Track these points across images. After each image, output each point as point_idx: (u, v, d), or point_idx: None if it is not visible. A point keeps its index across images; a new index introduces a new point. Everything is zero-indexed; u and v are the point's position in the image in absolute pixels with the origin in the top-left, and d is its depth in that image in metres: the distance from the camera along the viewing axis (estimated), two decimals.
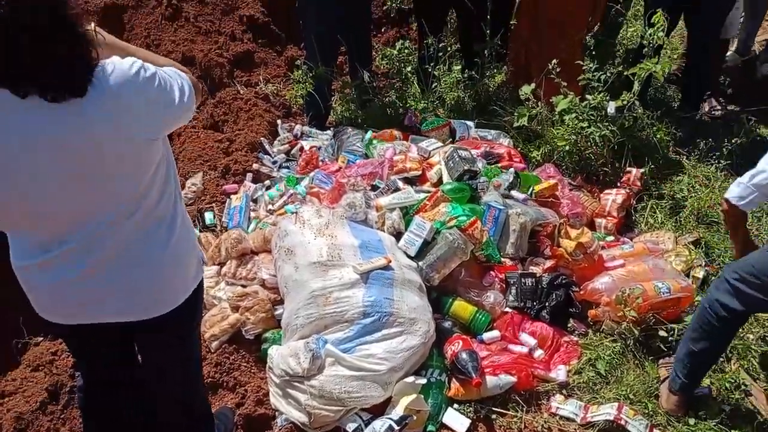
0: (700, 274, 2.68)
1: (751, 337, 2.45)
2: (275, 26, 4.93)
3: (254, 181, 3.39)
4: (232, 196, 3.20)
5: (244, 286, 2.56)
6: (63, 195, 1.31)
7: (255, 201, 3.20)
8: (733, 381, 2.27)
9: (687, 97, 3.88)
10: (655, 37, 3.26)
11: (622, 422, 2.07)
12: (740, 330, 2.19)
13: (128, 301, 1.49)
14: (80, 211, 1.36)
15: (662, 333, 2.39)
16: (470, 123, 3.63)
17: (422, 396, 2.16)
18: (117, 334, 1.60)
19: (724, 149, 3.07)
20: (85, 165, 1.29)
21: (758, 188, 1.93)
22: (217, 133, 3.87)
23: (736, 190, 1.99)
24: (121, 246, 1.42)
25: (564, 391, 2.29)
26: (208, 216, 3.10)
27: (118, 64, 1.32)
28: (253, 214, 3.10)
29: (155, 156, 1.41)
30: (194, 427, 1.85)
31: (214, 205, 3.19)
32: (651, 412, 2.17)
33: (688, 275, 2.68)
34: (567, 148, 3.32)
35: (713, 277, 2.71)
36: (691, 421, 2.14)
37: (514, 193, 2.92)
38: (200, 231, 2.99)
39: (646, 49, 3.33)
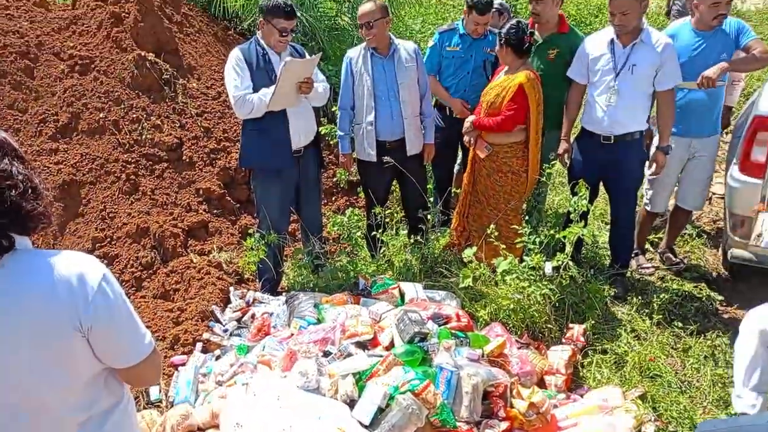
0: (650, 429, 2.72)
1: None
2: (230, 197, 5.19)
3: (204, 351, 3.34)
4: (180, 368, 3.12)
5: None
6: None
7: (204, 374, 3.13)
8: None
9: (615, 257, 4.19)
10: (579, 204, 3.62)
11: None
12: None
13: None
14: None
15: None
16: (419, 285, 3.78)
17: None
18: None
19: (654, 304, 3.28)
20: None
21: None
22: (167, 303, 3.87)
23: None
24: None
25: None
26: (154, 391, 3.00)
27: None
28: (201, 386, 3.02)
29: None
30: None
31: (160, 378, 3.09)
32: None
33: (639, 431, 2.71)
34: (511, 306, 3.48)
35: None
36: None
37: (464, 351, 2.98)
38: (144, 407, 2.87)
39: (573, 214, 3.67)
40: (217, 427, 2.58)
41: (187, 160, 5.18)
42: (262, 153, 3.84)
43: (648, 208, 4.31)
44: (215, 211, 5.04)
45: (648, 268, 4.27)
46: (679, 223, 4.38)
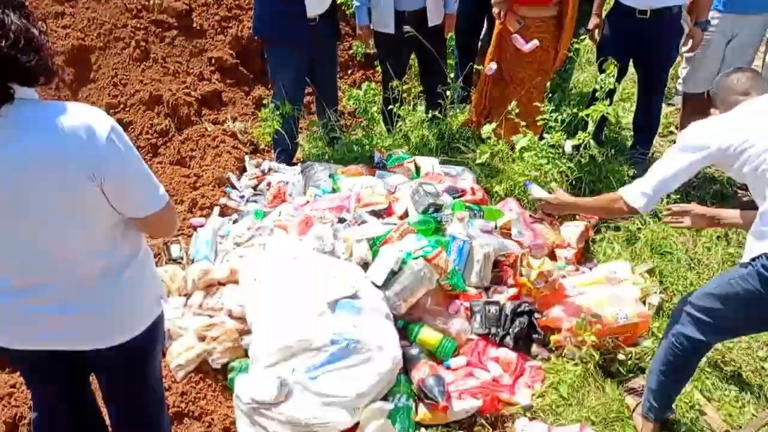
0: (655, 301, 2.79)
1: (703, 360, 2.54)
2: (243, 68, 5.05)
3: (221, 215, 3.41)
4: (198, 230, 3.20)
5: (210, 317, 2.55)
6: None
7: (222, 236, 3.21)
8: (688, 401, 2.35)
9: (639, 140, 4.09)
10: (607, 82, 3.48)
11: None
12: None
13: (75, 330, 1.49)
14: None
15: (621, 356, 2.47)
16: (435, 159, 3.75)
17: (390, 421, 2.17)
18: (69, 362, 1.59)
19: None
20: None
21: (657, 194, 2.09)
22: (184, 169, 3.90)
23: (642, 201, 2.09)
24: (75, 278, 1.44)
25: (528, 414, 2.33)
26: (175, 249, 3.09)
27: None
28: (220, 247, 3.10)
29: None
30: None
31: (180, 238, 3.19)
32: None
33: (644, 303, 2.79)
34: None
35: (667, 304, 2.83)
36: None
37: (477, 223, 3.01)
38: (166, 263, 2.98)
39: (599, 92, 3.54)
40: (235, 282, 2.68)
41: (198, 27, 4.99)
42: (276, 22, 3.67)
43: (681, 88, 4.12)
44: (228, 81, 4.92)
45: None
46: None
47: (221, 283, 2.73)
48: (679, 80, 4.12)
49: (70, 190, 1.32)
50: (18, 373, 2.32)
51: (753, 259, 1.85)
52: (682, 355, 2.06)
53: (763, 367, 2.55)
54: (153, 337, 1.64)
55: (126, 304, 1.52)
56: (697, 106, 4.00)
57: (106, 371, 1.66)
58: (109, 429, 1.86)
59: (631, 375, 2.47)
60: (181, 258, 3.05)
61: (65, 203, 1.33)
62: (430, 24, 3.96)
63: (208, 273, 2.69)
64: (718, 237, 3.28)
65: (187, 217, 3.37)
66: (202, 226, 3.27)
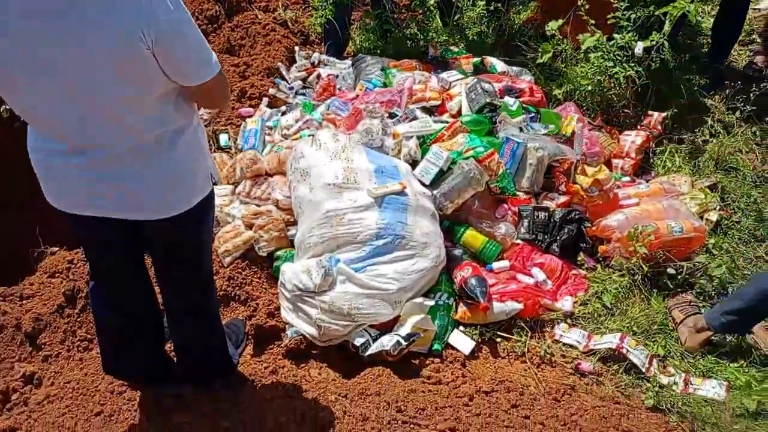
0: (713, 217, 2.67)
1: None
2: None
3: (270, 106, 3.37)
4: (247, 120, 3.18)
5: (258, 206, 2.59)
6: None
7: (270, 127, 3.19)
8: None
9: (717, 46, 3.75)
10: None
11: (624, 350, 2.11)
12: None
13: (129, 199, 1.51)
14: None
15: (671, 271, 2.40)
16: (494, 59, 3.56)
17: (430, 317, 2.21)
18: (126, 233, 1.62)
19: (752, 94, 3.00)
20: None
21: None
22: (233, 57, 3.82)
23: None
24: (130, 145, 1.44)
25: (569, 321, 2.33)
26: (223, 138, 3.10)
27: None
28: (268, 138, 3.09)
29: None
30: (208, 325, 1.90)
31: (229, 127, 3.19)
32: (653, 346, 2.21)
33: (701, 217, 2.67)
34: (589, 87, 3.26)
35: (726, 221, 2.70)
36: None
37: (534, 125, 2.88)
38: (214, 151, 3.00)
39: None
40: (283, 173, 2.69)
41: None
42: None
43: None
44: None
45: (757, 69, 3.77)
46: None
47: (269, 174, 2.74)
48: None
49: (120, 49, 1.28)
50: (76, 250, 2.44)
51: None
52: None
53: None
54: (205, 215, 1.66)
55: (179, 175, 1.53)
56: None
57: (160, 245, 1.70)
58: (161, 311, 1.95)
59: (679, 290, 2.42)
60: (230, 147, 3.06)
61: (115, 64, 1.30)
62: None
63: (256, 162, 2.70)
64: None
65: (235, 106, 3.35)
66: (250, 116, 3.25)
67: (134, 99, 1.39)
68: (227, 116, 3.27)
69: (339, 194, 2.36)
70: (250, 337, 2.25)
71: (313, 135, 2.67)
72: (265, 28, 3.99)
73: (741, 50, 4.05)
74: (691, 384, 2.05)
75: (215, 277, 2.39)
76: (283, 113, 3.29)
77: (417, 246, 2.28)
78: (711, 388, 2.03)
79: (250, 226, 2.51)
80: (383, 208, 2.32)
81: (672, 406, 1.98)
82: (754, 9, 4.33)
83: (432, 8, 4.01)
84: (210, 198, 1.66)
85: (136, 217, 1.54)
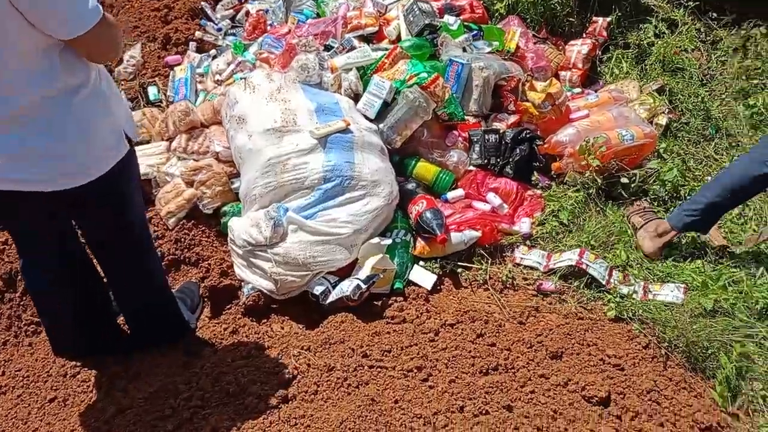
0: (663, 120, 2.66)
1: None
2: None
3: (198, 51, 3.15)
4: (175, 68, 2.97)
5: (196, 160, 2.44)
6: None
7: (202, 74, 2.98)
8: None
9: None
10: None
11: (584, 266, 2.12)
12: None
13: (28, 167, 1.36)
14: None
15: (624, 180, 2.39)
16: None
17: (388, 256, 2.15)
18: (36, 204, 1.48)
19: None
20: None
21: None
22: (153, 1, 3.53)
23: None
24: (15, 106, 1.29)
25: (528, 243, 2.32)
26: (152, 90, 2.89)
27: None
28: (200, 86, 2.90)
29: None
30: (154, 290, 1.82)
31: (157, 78, 2.97)
32: (611, 257, 2.22)
33: (651, 122, 2.65)
34: None
35: (675, 123, 2.69)
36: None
37: (477, 44, 2.76)
38: (144, 106, 2.80)
39: None
40: (219, 123, 2.53)
41: None
42: None
43: None
44: None
45: None
46: None
47: (204, 125, 2.57)
48: None
49: None
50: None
51: None
52: (750, 187, 2.04)
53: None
54: (122, 179, 1.53)
55: (79, 139, 1.38)
56: None
57: (82, 215, 1.58)
58: (103, 282, 1.84)
59: (633, 198, 2.41)
60: (160, 100, 2.86)
61: None
62: None
63: (189, 114, 2.53)
64: (734, 49, 3.04)
65: (161, 55, 3.11)
66: (178, 64, 3.03)
67: (9, 54, 1.22)
68: (153, 67, 3.04)
69: (280, 139, 2.23)
70: (205, 299, 2.18)
71: (245, 78, 2.49)
72: None
73: None
74: (650, 291, 2.07)
75: (161, 241, 2.29)
76: (214, 57, 3.08)
77: (367, 185, 2.19)
78: (669, 292, 2.06)
79: (191, 183, 2.38)
80: (328, 149, 2.21)
81: (633, 314, 2.01)
82: None
83: None
84: (126, 160, 1.51)
85: (41, 188, 1.39)
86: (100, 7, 1.28)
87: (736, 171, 2.10)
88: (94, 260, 1.80)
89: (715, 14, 3.25)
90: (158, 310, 1.87)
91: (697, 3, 3.02)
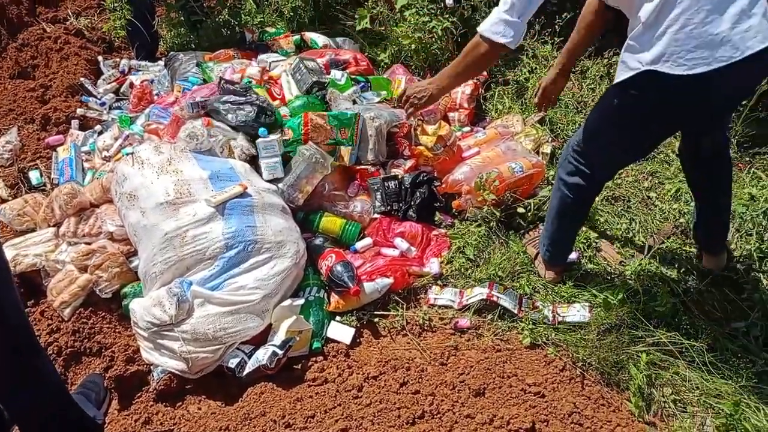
0: (547, 149, 2.81)
1: (597, 199, 2.64)
2: None
3: (82, 128, 3.03)
4: (58, 149, 2.83)
5: (88, 243, 2.31)
6: None
7: (87, 152, 2.86)
8: (585, 240, 2.45)
9: None
10: None
11: (495, 298, 2.17)
12: None
13: None
14: None
15: (521, 210, 2.50)
16: (314, 34, 3.45)
17: (302, 316, 2.11)
18: None
19: (556, 26, 3.17)
20: None
21: (523, 15, 1.80)
22: (27, 81, 3.39)
23: (507, 31, 1.80)
24: None
25: (439, 282, 2.35)
26: (34, 175, 2.74)
27: None
28: (87, 165, 2.78)
29: None
30: (46, 388, 1.67)
31: (38, 161, 2.81)
32: (519, 286, 2.29)
33: (537, 152, 2.80)
34: (413, 46, 3.27)
35: (559, 151, 2.86)
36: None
37: (366, 95, 2.84)
38: (26, 192, 2.63)
39: None
40: (110, 201, 2.42)
41: None
42: None
43: None
44: None
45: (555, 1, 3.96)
46: None
47: (94, 205, 2.45)
48: None
49: None
50: None
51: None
52: (570, 201, 2.06)
53: (648, 197, 2.68)
54: None
55: None
56: None
57: None
58: None
59: (531, 226, 2.53)
60: (44, 185, 2.70)
61: None
62: None
63: (76, 195, 2.40)
64: (601, 77, 3.30)
65: (41, 136, 2.96)
66: (61, 144, 2.89)
67: None
68: (33, 150, 2.88)
69: (175, 212, 2.16)
70: (112, 390, 2.02)
71: (133, 153, 2.41)
72: (57, 41, 3.57)
73: None
74: (559, 314, 2.15)
75: (57, 335, 2.13)
76: (99, 133, 2.98)
77: (272, 247, 2.16)
78: (576, 312, 2.15)
79: (84, 269, 2.24)
80: (227, 215, 2.16)
81: (547, 339, 2.07)
82: None
83: None
84: None
85: None
86: None
87: (552, 196, 2.13)
88: None
89: None
90: (56, 410, 1.72)
91: (562, 39, 3.27)
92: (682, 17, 1.56)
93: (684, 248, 2.43)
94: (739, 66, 1.55)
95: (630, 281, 2.26)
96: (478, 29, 1.92)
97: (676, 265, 2.34)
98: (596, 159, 1.96)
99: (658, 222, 2.56)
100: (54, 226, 2.41)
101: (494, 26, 1.85)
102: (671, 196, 2.64)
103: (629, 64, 1.68)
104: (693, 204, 2.32)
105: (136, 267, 2.25)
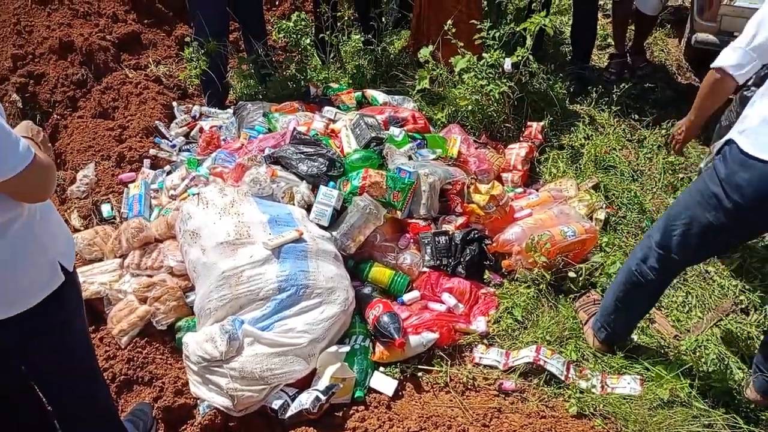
0: (601, 215, 2.81)
1: None
2: (161, 4, 4.67)
3: (153, 167, 3.20)
4: (129, 185, 3.00)
5: (150, 276, 2.42)
6: None
7: (156, 190, 3.02)
8: None
9: (576, 53, 4.00)
10: None
11: (541, 362, 2.14)
12: None
13: None
14: None
15: (571, 274, 2.48)
16: (375, 91, 3.60)
17: (347, 364, 2.13)
18: None
19: (614, 95, 3.22)
20: None
21: (758, 51, 1.73)
22: (107, 121, 3.62)
23: (733, 57, 1.77)
24: None
25: (485, 341, 2.34)
26: (105, 208, 2.90)
27: None
28: (154, 202, 2.93)
29: None
30: (97, 424, 1.73)
31: (110, 196, 2.99)
32: (567, 351, 2.25)
33: (590, 218, 2.80)
34: (470, 107, 3.37)
35: (613, 218, 2.85)
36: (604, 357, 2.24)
37: (422, 152, 2.92)
38: (97, 224, 2.80)
39: (534, 4, 3.42)
40: (174, 237, 2.54)
41: None
42: None
43: None
44: (146, 20, 4.56)
45: (613, 73, 4.03)
46: (643, 28, 4.07)
47: (158, 240, 2.58)
48: None
49: None
50: None
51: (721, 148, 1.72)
52: (643, 284, 2.00)
53: (707, 271, 2.62)
54: (56, 308, 1.48)
55: (3, 274, 1.35)
56: (628, 14, 3.93)
57: (18, 350, 1.51)
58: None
59: (583, 291, 2.50)
60: (114, 218, 2.86)
61: None
62: None
63: (143, 230, 2.53)
64: (659, 147, 3.30)
65: (115, 173, 3.15)
66: (132, 181, 3.07)
67: None
68: (107, 185, 3.07)
69: (234, 252, 2.25)
70: (158, 420, 2.08)
71: (198, 193, 2.54)
72: (137, 86, 3.82)
73: (600, 54, 4.36)
74: (608, 384, 2.10)
75: (113, 362, 2.22)
76: (168, 173, 3.14)
77: (323, 292, 2.21)
78: (627, 384, 2.09)
79: (144, 300, 2.34)
80: (282, 259, 2.23)
81: (594, 409, 2.02)
82: (606, 15, 4.70)
83: (309, 47, 4.00)
84: (61, 291, 1.47)
85: None
86: (32, 150, 1.27)
87: (622, 275, 2.08)
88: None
89: (636, 116, 3.56)
90: None
91: (619, 107, 3.31)
92: None
93: (744, 327, 2.34)
94: None
95: (685, 356, 2.19)
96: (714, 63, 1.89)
97: (735, 344, 2.26)
98: (679, 251, 1.90)
99: (716, 297, 2.49)
100: (120, 257, 2.54)
101: (725, 56, 1.83)
102: (730, 272, 2.58)
103: None
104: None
105: (192, 302, 2.34)
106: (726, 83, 1.83)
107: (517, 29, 3.33)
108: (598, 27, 4.00)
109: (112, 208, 2.92)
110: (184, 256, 2.39)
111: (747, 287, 2.48)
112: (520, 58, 3.28)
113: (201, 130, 3.45)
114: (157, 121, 3.52)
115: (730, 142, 1.72)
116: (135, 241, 2.50)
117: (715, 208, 1.74)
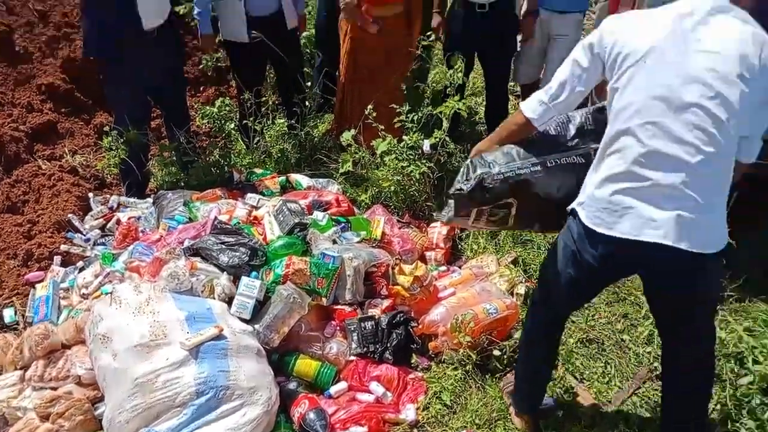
0: (521, 290, 2.87)
1: (572, 341, 2.66)
2: (80, 93, 4.60)
3: (64, 264, 3.05)
4: (36, 286, 2.84)
5: (54, 389, 2.25)
6: None
7: (66, 289, 2.87)
8: (562, 386, 2.42)
9: (491, 131, 4.18)
10: (455, 77, 3.55)
11: None
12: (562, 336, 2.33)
13: None
14: None
15: (496, 352, 2.50)
16: (299, 175, 3.63)
17: None
18: None
19: None
20: None
21: (559, 108, 1.93)
22: (15, 216, 3.46)
23: (539, 110, 1.95)
24: None
25: (415, 430, 2.29)
26: (8, 313, 2.72)
27: None
28: (64, 302, 2.77)
29: None
30: None
31: (14, 299, 2.81)
32: None
33: (511, 293, 2.85)
34: (392, 188, 3.44)
35: (532, 292, 2.91)
36: None
37: (346, 235, 2.94)
38: None
39: (449, 89, 3.60)
40: (83, 342, 2.39)
41: (22, 51, 4.50)
42: (109, 38, 3.32)
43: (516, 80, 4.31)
44: (64, 109, 4.47)
45: None
46: None
47: (66, 345, 2.42)
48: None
49: None
50: None
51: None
52: (535, 344, 2.12)
53: (622, 339, 2.70)
54: None
55: None
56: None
57: None
58: None
59: (508, 369, 2.51)
60: (17, 323, 2.68)
61: None
62: (289, 26, 3.84)
63: (48, 336, 2.37)
64: None
65: (21, 272, 2.98)
66: (41, 280, 2.90)
67: None
68: (11, 287, 2.89)
69: (149, 354, 2.14)
70: None
71: (111, 292, 2.43)
72: (50, 178, 3.70)
73: None
74: None
75: None
76: (81, 269, 3.00)
77: (244, 393, 2.12)
78: None
79: (46, 417, 2.16)
80: (200, 359, 2.14)
81: None
82: (516, 94, 4.99)
83: (233, 132, 4.02)
84: None
85: None
86: None
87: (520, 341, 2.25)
88: None
89: None
90: None
91: None
92: None
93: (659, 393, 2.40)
94: None
95: (608, 429, 2.21)
96: (521, 104, 2.04)
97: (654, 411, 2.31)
98: (546, 298, 2.10)
99: (633, 365, 2.56)
100: (21, 369, 2.36)
101: (530, 104, 1.98)
102: (644, 339, 2.67)
103: None
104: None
105: (101, 414, 2.18)
106: (529, 127, 2.02)
107: (435, 112, 3.48)
108: (509, 107, 4.23)
109: (15, 313, 2.74)
110: (94, 362, 2.25)
111: (658, 353, 2.56)
112: (438, 139, 3.41)
113: (118, 221, 3.34)
114: (70, 215, 3.39)
115: (573, 211, 1.85)
116: (39, 350, 2.34)
117: (574, 264, 1.86)
